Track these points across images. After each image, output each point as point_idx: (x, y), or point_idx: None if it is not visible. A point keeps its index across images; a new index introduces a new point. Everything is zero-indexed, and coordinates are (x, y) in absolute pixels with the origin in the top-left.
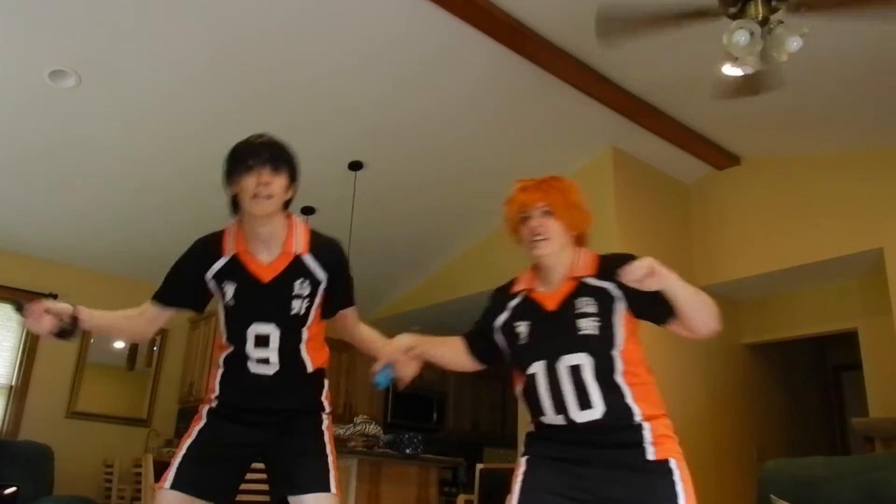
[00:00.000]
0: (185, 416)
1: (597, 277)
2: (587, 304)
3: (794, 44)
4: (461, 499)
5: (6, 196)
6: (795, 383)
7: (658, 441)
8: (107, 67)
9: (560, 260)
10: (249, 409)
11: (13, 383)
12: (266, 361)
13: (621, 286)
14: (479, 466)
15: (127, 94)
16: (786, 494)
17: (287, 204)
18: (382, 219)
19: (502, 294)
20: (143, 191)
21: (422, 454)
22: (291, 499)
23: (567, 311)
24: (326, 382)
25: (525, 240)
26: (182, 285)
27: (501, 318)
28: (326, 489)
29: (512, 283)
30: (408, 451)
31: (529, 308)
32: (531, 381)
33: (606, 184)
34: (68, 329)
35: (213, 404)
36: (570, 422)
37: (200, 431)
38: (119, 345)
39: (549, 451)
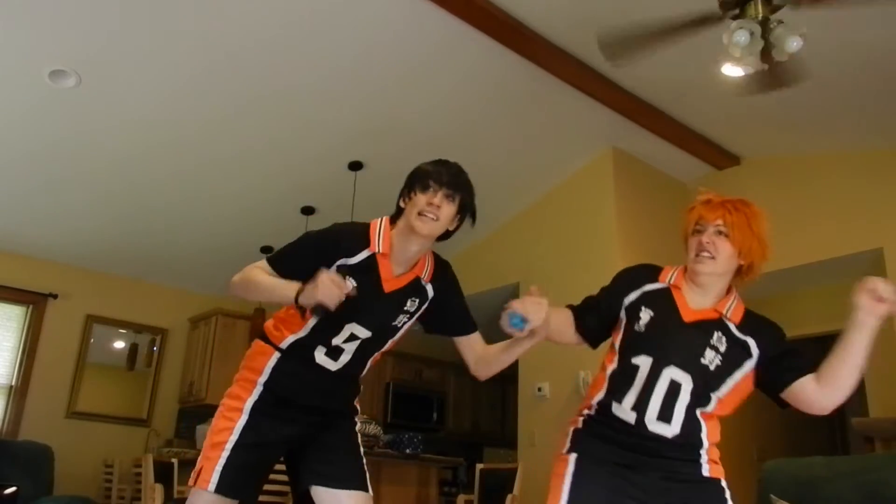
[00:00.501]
0: (185, 416)
1: (739, 328)
2: (720, 342)
3: (794, 44)
4: (461, 499)
5: (6, 196)
6: None
7: (711, 461)
8: (107, 67)
9: (716, 285)
10: (296, 405)
11: (13, 383)
12: (337, 355)
13: (760, 346)
14: (479, 466)
15: (127, 94)
16: (786, 494)
17: (446, 236)
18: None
19: (640, 275)
20: (144, 191)
21: (422, 454)
22: (323, 491)
23: (701, 334)
24: (361, 389)
25: (691, 251)
26: (309, 262)
27: (632, 296)
28: (364, 489)
29: (655, 269)
30: (408, 451)
31: (666, 302)
32: (629, 369)
33: (606, 184)
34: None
35: (257, 395)
36: (641, 424)
37: (243, 433)
38: (119, 345)
39: (604, 454)
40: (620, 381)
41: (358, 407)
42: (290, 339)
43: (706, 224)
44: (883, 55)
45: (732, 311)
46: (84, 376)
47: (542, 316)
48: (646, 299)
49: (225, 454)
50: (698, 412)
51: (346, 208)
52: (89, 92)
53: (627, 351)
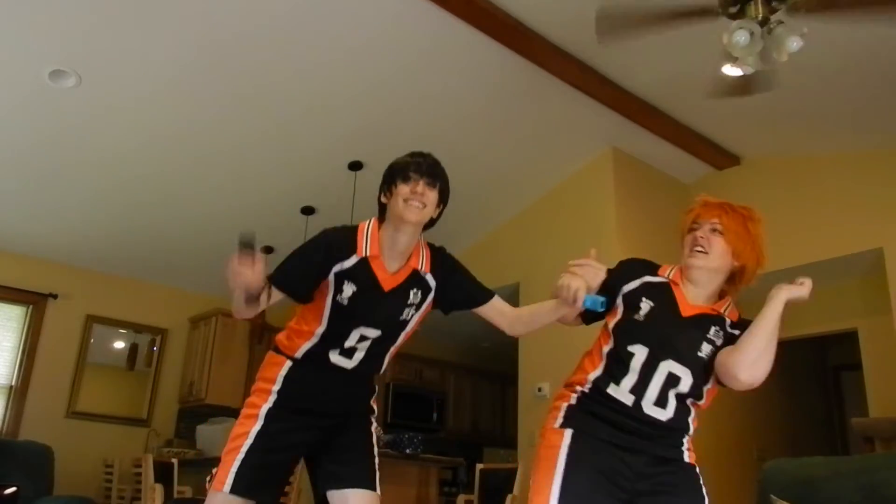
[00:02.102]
0: (185, 416)
1: (732, 326)
2: (717, 335)
3: (794, 44)
4: (461, 499)
5: (6, 195)
6: (795, 383)
7: (689, 449)
8: (107, 67)
9: (710, 282)
10: (309, 411)
11: (13, 383)
12: (351, 354)
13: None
14: (479, 466)
15: (127, 93)
16: (786, 494)
17: (430, 224)
18: None
19: (643, 267)
20: (144, 191)
21: (422, 454)
22: (333, 493)
23: (698, 329)
24: (376, 389)
25: (686, 247)
26: (306, 274)
27: (632, 285)
28: (371, 487)
29: (655, 265)
30: (408, 451)
31: (665, 297)
32: (623, 354)
33: (606, 184)
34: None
35: (272, 402)
36: (638, 408)
37: (258, 436)
38: (119, 345)
39: (600, 432)
40: (618, 364)
41: (374, 407)
42: (304, 348)
43: (702, 222)
44: (883, 55)
45: (729, 312)
46: (84, 376)
47: (601, 280)
48: (646, 290)
49: (240, 457)
50: (689, 401)
51: (346, 208)
52: (89, 92)
53: (624, 337)
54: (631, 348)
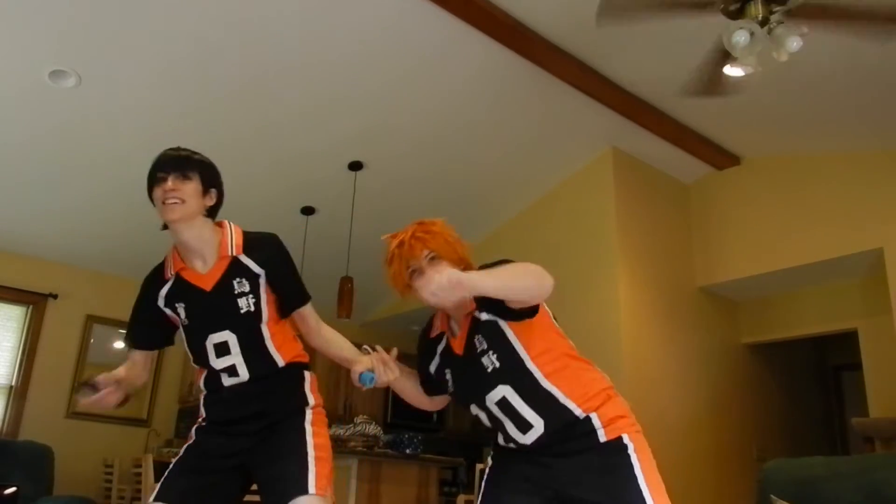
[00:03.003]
0: (185, 416)
1: (482, 312)
2: (481, 342)
3: (793, 44)
4: (461, 499)
5: (6, 196)
6: (795, 383)
7: (607, 423)
8: (107, 67)
9: (455, 305)
10: (231, 421)
11: (13, 383)
12: (234, 370)
13: (495, 312)
14: (479, 466)
15: (126, 93)
16: (786, 494)
17: (213, 211)
18: (383, 219)
19: (427, 339)
20: (144, 191)
21: (422, 454)
22: None
23: (471, 354)
24: (308, 374)
25: (422, 293)
26: (147, 324)
27: (434, 364)
28: (303, 491)
29: (430, 325)
30: (408, 451)
31: (448, 354)
32: (476, 418)
33: (606, 184)
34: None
35: (202, 424)
36: (521, 446)
37: (187, 448)
38: (119, 345)
39: (514, 456)
40: (485, 426)
41: (310, 396)
42: (202, 378)
43: (418, 262)
44: (883, 56)
45: (469, 303)
46: (84, 376)
47: (390, 380)
48: (442, 361)
49: (169, 468)
50: (542, 385)
51: (346, 208)
52: (89, 92)
53: (462, 405)
54: (473, 411)
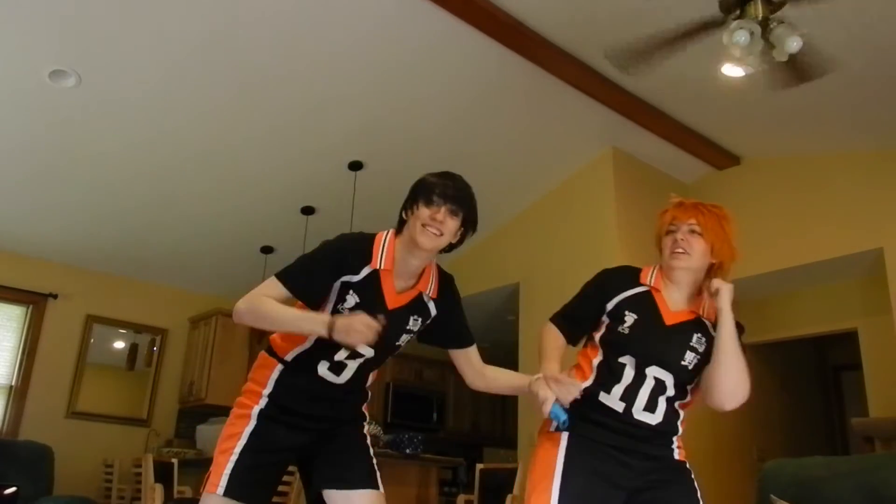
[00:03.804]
0: (185, 416)
1: (714, 326)
2: (699, 342)
3: (793, 44)
4: (461, 499)
5: (6, 195)
6: (795, 383)
7: (679, 447)
8: (107, 67)
9: (691, 281)
10: (303, 414)
11: (13, 383)
12: (339, 371)
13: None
14: (479, 466)
15: (126, 93)
16: (786, 494)
17: (450, 248)
18: (383, 219)
19: (624, 278)
20: (144, 190)
21: (422, 454)
22: (335, 493)
23: (682, 337)
24: (369, 395)
25: (666, 250)
26: (320, 278)
27: (617, 299)
28: (375, 486)
29: (636, 271)
30: (408, 451)
31: (648, 306)
32: (615, 365)
33: (606, 184)
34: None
35: (263, 404)
36: (628, 413)
37: (252, 436)
38: (119, 345)
39: (594, 435)
40: (607, 375)
41: (366, 413)
42: (295, 351)
43: (679, 223)
44: (883, 56)
45: (707, 311)
46: (84, 376)
47: (575, 395)
48: (629, 302)
49: (233, 458)
50: (677, 404)
51: (346, 208)
52: (89, 92)
53: (612, 349)
54: (621, 360)
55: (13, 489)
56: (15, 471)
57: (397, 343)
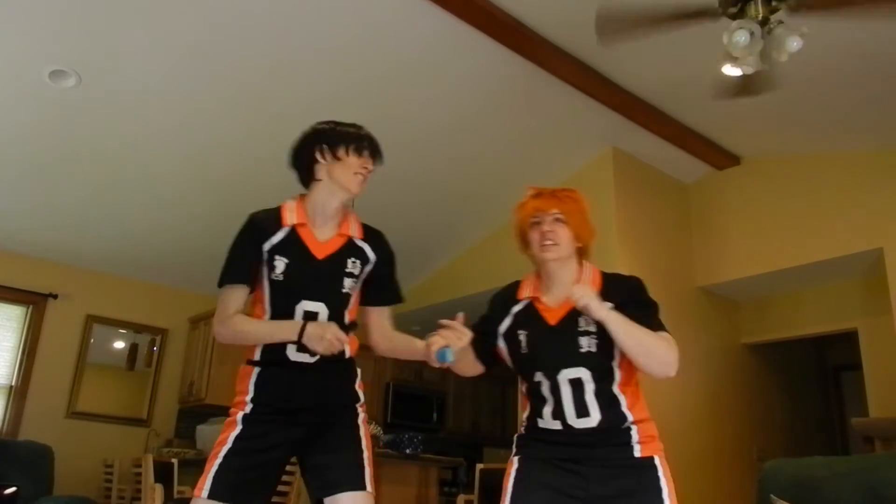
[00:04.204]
0: (185, 416)
1: (599, 296)
2: (588, 323)
3: (794, 44)
4: (461, 499)
5: (6, 195)
6: (795, 383)
7: (644, 441)
8: (107, 67)
9: (565, 270)
10: (286, 410)
11: (13, 383)
12: (305, 346)
13: (618, 306)
14: (479, 466)
15: (127, 93)
16: (786, 494)
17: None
18: (382, 218)
19: (505, 298)
20: (144, 190)
21: (422, 454)
22: (328, 500)
23: (569, 329)
24: (359, 372)
25: (534, 244)
26: (243, 258)
27: (505, 323)
28: (361, 487)
29: (515, 287)
30: (408, 451)
31: (532, 317)
32: (534, 387)
33: (606, 184)
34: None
35: (247, 409)
36: (567, 427)
37: (237, 439)
38: (119, 345)
39: (542, 453)
40: (536, 399)
41: (360, 393)
42: (260, 347)
43: (543, 214)
44: (883, 56)
45: (588, 284)
46: (84, 376)
47: (466, 343)
48: (517, 322)
49: (218, 461)
50: (614, 388)
51: None
52: (89, 92)
53: (524, 371)
54: (535, 378)
55: (13, 489)
56: (15, 471)
57: (343, 290)
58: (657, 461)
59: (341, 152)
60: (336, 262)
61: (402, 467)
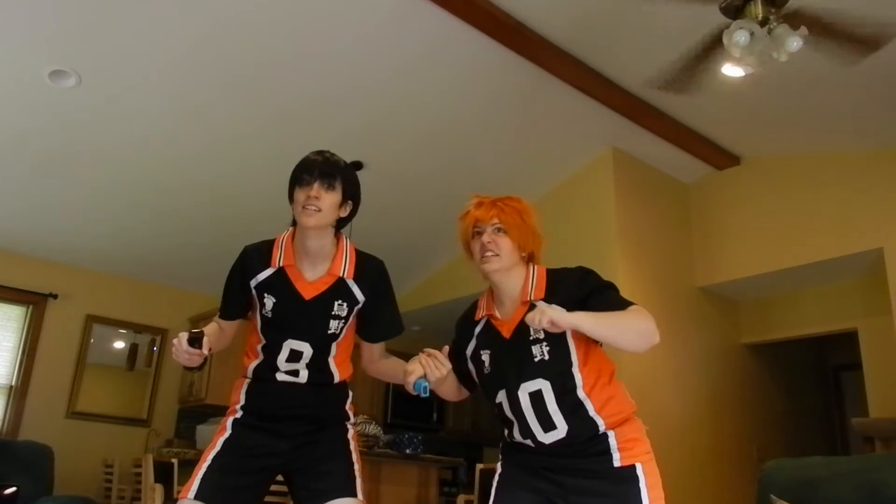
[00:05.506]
0: (185, 416)
1: (545, 300)
2: (537, 330)
3: (794, 44)
4: (461, 499)
5: (6, 195)
6: (795, 383)
7: (624, 447)
8: (107, 67)
9: (510, 280)
10: (275, 417)
11: (13, 383)
12: (296, 373)
13: (567, 305)
14: (479, 466)
15: (127, 93)
16: (786, 494)
17: (341, 224)
18: (382, 219)
19: (467, 322)
20: (143, 190)
21: (422, 454)
22: None
23: (520, 339)
24: (350, 394)
25: (475, 254)
26: (233, 293)
27: (470, 347)
28: (351, 494)
29: (473, 308)
30: (408, 451)
31: (491, 335)
32: (498, 408)
33: (606, 184)
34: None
35: (238, 415)
36: (538, 443)
37: (225, 442)
38: (119, 345)
39: (524, 461)
40: (502, 422)
41: (351, 413)
42: (253, 364)
43: (483, 225)
44: (882, 55)
45: (534, 293)
46: (84, 376)
47: (443, 374)
48: (480, 343)
49: (206, 463)
50: (578, 394)
51: None
52: (89, 92)
53: (487, 392)
54: (497, 399)
55: (13, 489)
56: (15, 471)
57: (329, 332)
58: (639, 470)
59: (294, 191)
60: (322, 304)
61: (402, 467)
